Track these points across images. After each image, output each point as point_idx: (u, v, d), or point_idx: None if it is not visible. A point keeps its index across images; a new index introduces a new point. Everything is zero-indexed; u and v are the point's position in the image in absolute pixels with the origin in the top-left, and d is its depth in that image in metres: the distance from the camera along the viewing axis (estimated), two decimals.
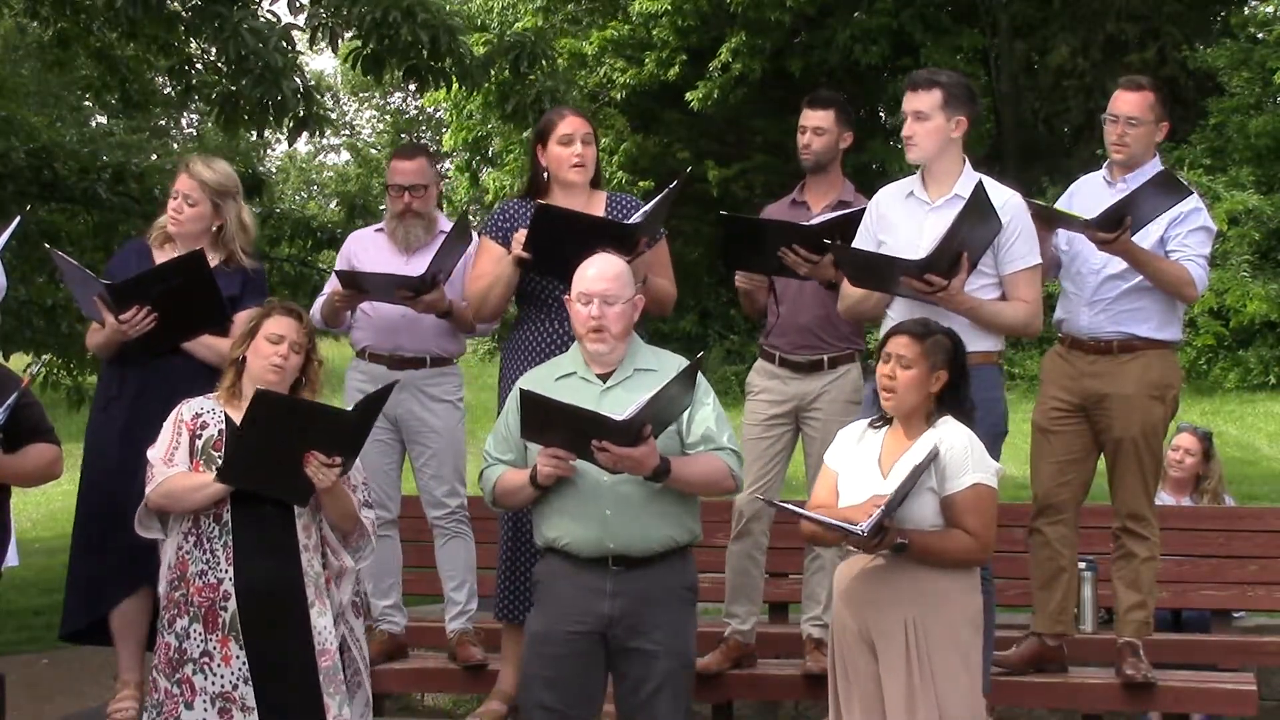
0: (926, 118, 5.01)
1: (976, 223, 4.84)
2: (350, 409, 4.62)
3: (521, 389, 4.44)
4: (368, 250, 5.84)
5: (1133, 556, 5.44)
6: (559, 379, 4.57)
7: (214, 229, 5.33)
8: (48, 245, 5.34)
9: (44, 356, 10.84)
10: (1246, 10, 21.17)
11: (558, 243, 4.87)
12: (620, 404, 4.34)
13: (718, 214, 5.53)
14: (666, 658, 4.47)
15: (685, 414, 4.52)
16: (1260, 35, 19.86)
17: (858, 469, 4.41)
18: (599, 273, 4.54)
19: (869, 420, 4.52)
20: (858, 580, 4.36)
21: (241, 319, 5.07)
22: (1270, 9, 20.89)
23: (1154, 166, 5.45)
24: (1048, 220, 5.34)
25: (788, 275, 5.40)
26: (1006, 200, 5.01)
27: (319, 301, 5.84)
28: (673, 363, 4.58)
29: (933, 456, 4.25)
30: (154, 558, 4.79)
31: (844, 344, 5.59)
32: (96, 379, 5.59)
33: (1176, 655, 6.27)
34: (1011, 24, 22.01)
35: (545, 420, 4.38)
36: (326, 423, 4.49)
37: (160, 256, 5.32)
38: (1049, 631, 5.51)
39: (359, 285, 5.58)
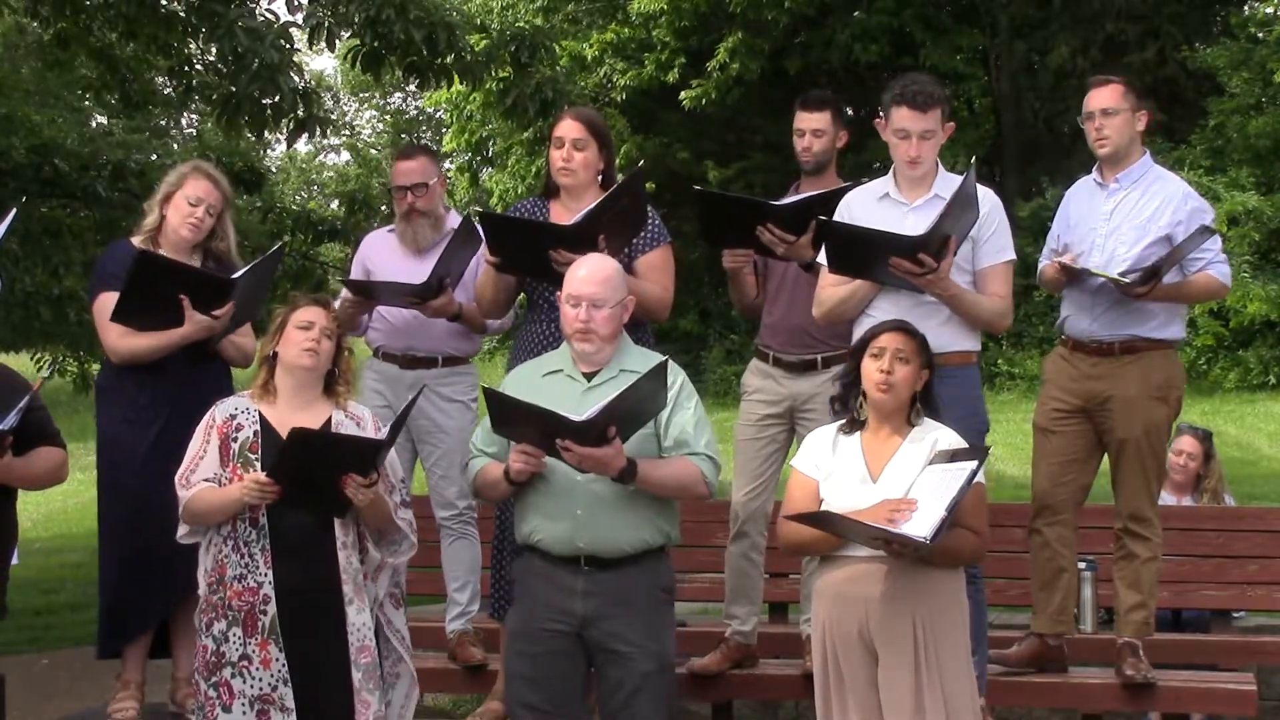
0: (933, 135, 5.00)
1: (963, 210, 4.83)
2: (378, 434, 4.62)
3: (484, 387, 4.46)
4: (379, 252, 5.89)
5: (1134, 557, 5.44)
6: (545, 375, 4.61)
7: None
8: (143, 250, 5.18)
9: (46, 357, 10.87)
10: (1246, 10, 21.17)
11: (518, 246, 4.94)
12: (599, 402, 4.35)
13: (693, 188, 5.54)
14: (643, 659, 4.48)
15: (664, 417, 4.52)
16: (1260, 35, 19.86)
17: (843, 475, 4.39)
18: (588, 275, 4.57)
19: (837, 425, 4.50)
20: (855, 582, 4.34)
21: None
22: (1270, 9, 20.91)
23: (1146, 165, 5.45)
24: (1073, 276, 5.34)
25: (767, 254, 5.38)
26: (983, 196, 5.02)
27: (334, 307, 5.90)
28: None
29: (984, 454, 4.27)
30: (183, 571, 4.84)
31: (837, 343, 5.57)
32: (105, 383, 5.45)
33: (1176, 655, 6.28)
34: (1011, 24, 22.00)
35: (512, 417, 4.41)
36: (359, 450, 4.51)
37: None
38: (1049, 632, 5.51)
39: (367, 292, 5.62)
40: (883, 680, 4.30)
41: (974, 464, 4.22)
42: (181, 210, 5.30)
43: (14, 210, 5.36)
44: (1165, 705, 5.63)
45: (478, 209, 5.17)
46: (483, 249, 5.48)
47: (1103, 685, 5.56)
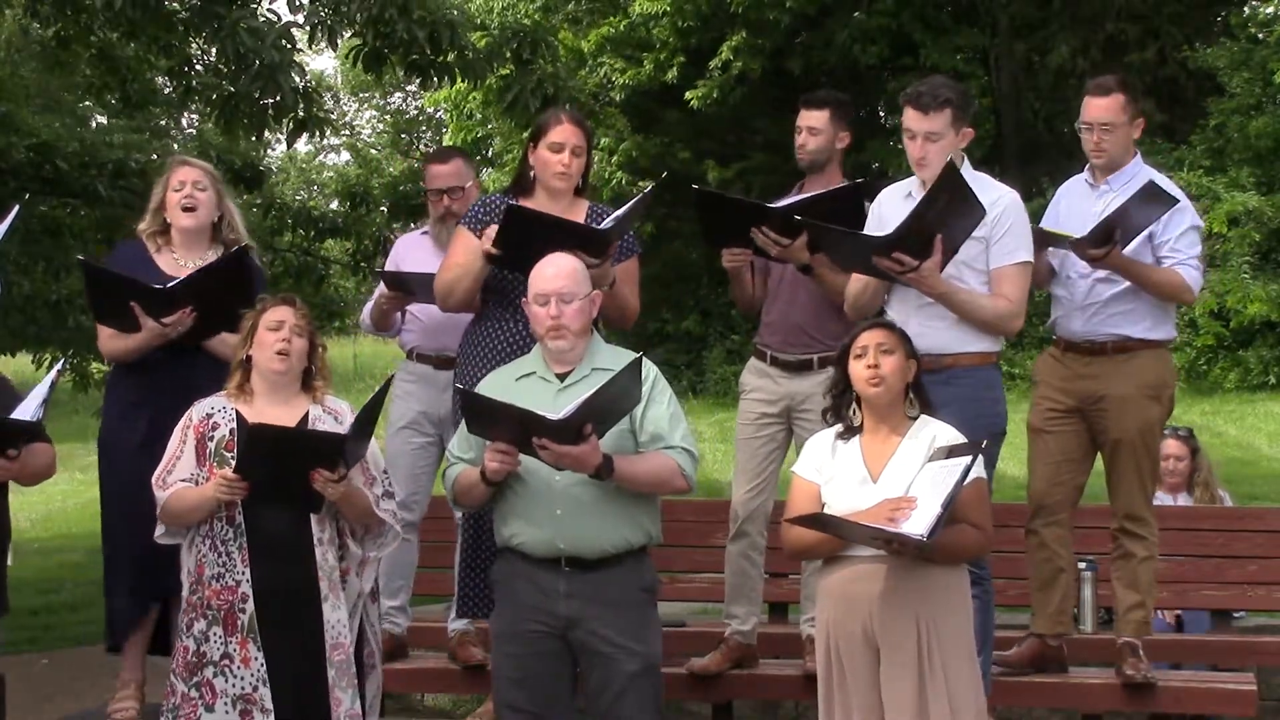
0: (939, 138, 4.98)
1: (951, 206, 4.78)
2: (346, 429, 4.59)
3: (458, 387, 4.45)
4: (413, 253, 5.91)
5: (1131, 556, 5.44)
6: (519, 379, 4.60)
7: (215, 220, 5.35)
8: (81, 258, 5.27)
9: (47, 357, 10.87)
10: (1246, 10, 21.16)
11: (527, 243, 4.86)
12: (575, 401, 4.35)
13: (692, 186, 5.56)
14: (627, 660, 4.48)
15: (639, 412, 4.51)
16: (1260, 35, 19.85)
17: (844, 478, 4.38)
18: (555, 272, 4.57)
19: (835, 432, 4.50)
20: (858, 582, 4.33)
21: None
22: (1270, 9, 20.90)
23: (1136, 165, 5.45)
24: (1039, 242, 5.30)
25: (764, 255, 5.37)
26: (1000, 196, 5.02)
27: (368, 306, 5.93)
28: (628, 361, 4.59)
29: (979, 449, 4.25)
30: (173, 568, 4.86)
31: (835, 343, 5.56)
32: (109, 381, 5.53)
33: (1176, 655, 6.28)
34: (1011, 24, 21.99)
35: (487, 418, 4.40)
36: (322, 444, 4.51)
37: (160, 259, 5.30)
38: (1049, 632, 5.51)
39: (404, 286, 5.62)
40: (885, 680, 4.29)
41: (968, 459, 4.22)
42: (173, 201, 5.30)
43: (16, 208, 5.38)
44: (1165, 705, 5.62)
45: (511, 203, 5.05)
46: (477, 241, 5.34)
47: (1103, 685, 5.56)
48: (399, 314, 5.85)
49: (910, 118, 5.01)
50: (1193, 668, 6.26)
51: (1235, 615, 7.02)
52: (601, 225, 4.94)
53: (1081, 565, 6.08)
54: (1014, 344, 19.30)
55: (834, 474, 4.41)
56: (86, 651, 6.02)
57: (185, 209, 5.28)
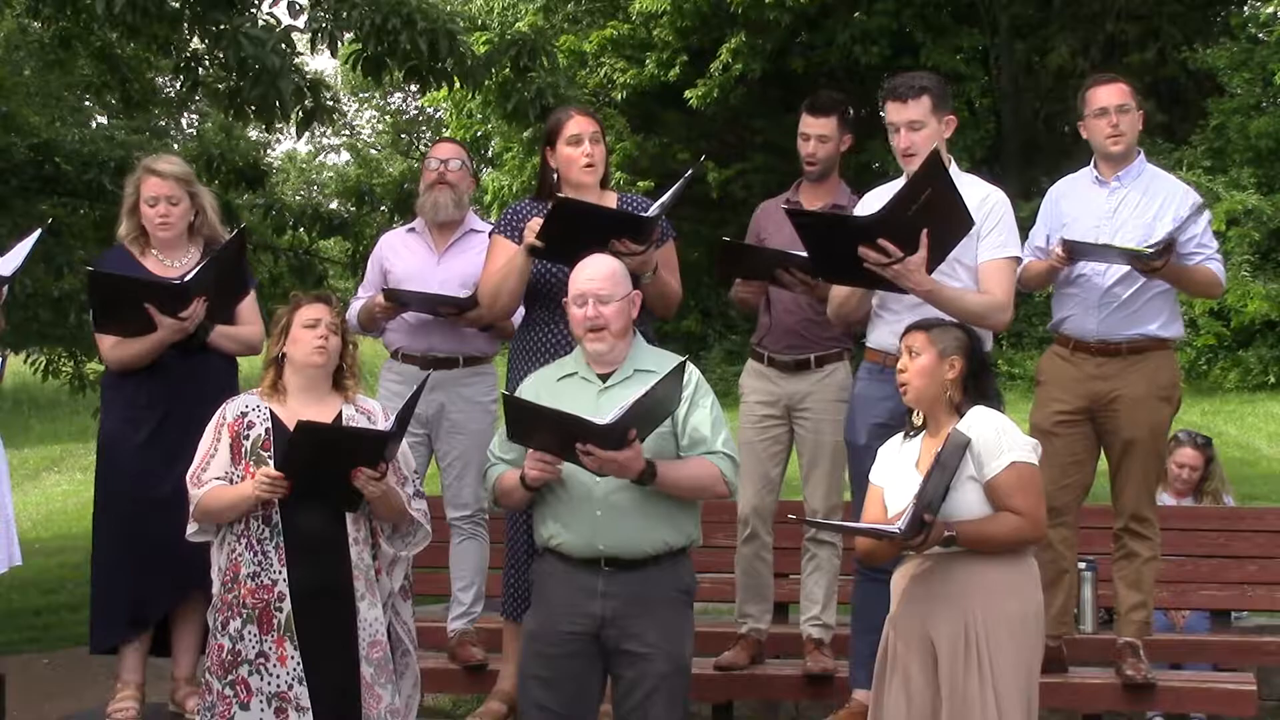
0: (922, 125, 4.97)
1: (938, 200, 4.68)
2: (386, 426, 4.61)
3: (504, 394, 4.44)
4: (398, 251, 5.90)
5: (1135, 556, 5.45)
6: (560, 379, 4.58)
7: (191, 220, 5.34)
8: (89, 268, 5.21)
9: (42, 359, 10.88)
10: (1247, 10, 21.17)
11: (572, 235, 4.81)
12: (618, 404, 4.33)
13: (721, 239, 5.64)
14: (660, 660, 4.46)
15: (681, 416, 4.50)
16: (1260, 35, 19.87)
17: (899, 478, 4.40)
18: (593, 273, 4.55)
19: (903, 433, 4.50)
20: (916, 581, 4.34)
21: (246, 308, 5.24)
22: (1271, 9, 20.90)
23: (1142, 162, 5.47)
24: (1073, 254, 5.29)
25: (782, 286, 5.41)
26: (989, 192, 5.00)
27: (355, 305, 5.92)
28: (671, 363, 4.57)
29: (956, 440, 4.23)
30: (181, 571, 4.90)
31: (831, 343, 5.59)
32: (108, 383, 5.43)
33: (1176, 655, 6.28)
34: (1011, 24, 22.01)
35: (530, 423, 4.39)
36: (366, 441, 4.51)
37: (146, 262, 5.29)
38: (1051, 633, 5.50)
39: (402, 302, 5.62)
40: (940, 676, 4.27)
41: (943, 447, 4.21)
42: (147, 215, 5.29)
43: (39, 231, 5.36)
44: (1165, 705, 5.64)
45: (560, 195, 5.02)
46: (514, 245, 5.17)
47: (1103, 685, 5.56)
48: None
49: (891, 110, 5.01)
50: (1193, 668, 6.27)
51: (1235, 615, 7.02)
52: (647, 213, 4.91)
53: (1081, 565, 6.08)
54: (1014, 344, 19.34)
55: (894, 475, 4.43)
56: (86, 652, 6.02)
57: (160, 224, 5.28)
